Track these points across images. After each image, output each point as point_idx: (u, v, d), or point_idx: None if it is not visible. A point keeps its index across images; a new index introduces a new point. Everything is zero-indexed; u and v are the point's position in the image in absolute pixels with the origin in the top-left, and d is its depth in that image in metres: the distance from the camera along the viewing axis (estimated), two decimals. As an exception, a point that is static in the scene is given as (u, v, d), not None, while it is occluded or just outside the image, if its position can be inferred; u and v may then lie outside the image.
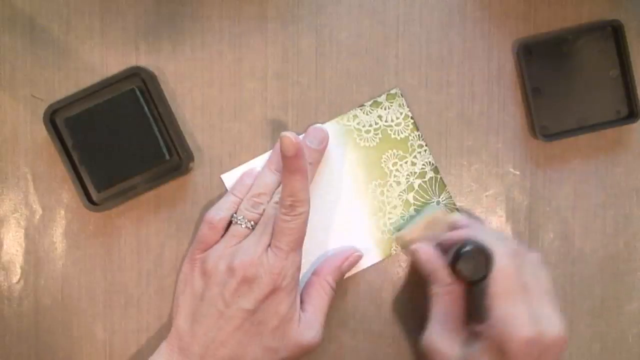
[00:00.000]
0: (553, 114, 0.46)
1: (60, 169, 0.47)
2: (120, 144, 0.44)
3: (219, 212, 0.44)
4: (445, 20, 0.47)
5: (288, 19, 0.47)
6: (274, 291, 0.40)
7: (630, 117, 0.46)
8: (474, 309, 0.40)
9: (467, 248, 0.39)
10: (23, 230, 0.47)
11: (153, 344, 0.47)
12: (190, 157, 0.46)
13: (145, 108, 0.44)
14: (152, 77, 0.45)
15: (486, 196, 0.47)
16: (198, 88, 0.47)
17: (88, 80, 0.47)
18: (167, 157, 0.45)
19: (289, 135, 0.40)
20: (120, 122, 0.44)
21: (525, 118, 0.47)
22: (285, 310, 0.41)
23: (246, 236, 0.43)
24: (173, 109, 0.46)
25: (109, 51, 0.47)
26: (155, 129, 0.44)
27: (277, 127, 0.47)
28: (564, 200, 0.47)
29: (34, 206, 0.47)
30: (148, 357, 0.47)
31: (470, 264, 0.39)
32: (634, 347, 0.48)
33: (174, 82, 0.47)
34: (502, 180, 0.47)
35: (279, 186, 0.44)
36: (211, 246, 0.43)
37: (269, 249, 0.41)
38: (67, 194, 0.47)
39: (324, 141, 0.45)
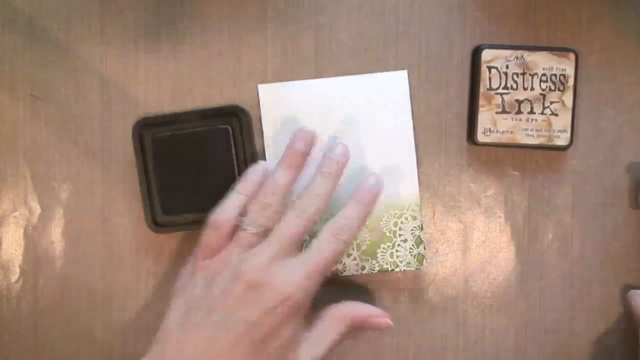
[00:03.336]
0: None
1: (59, 169, 0.47)
2: (199, 176, 0.44)
3: (224, 213, 0.40)
4: (445, 20, 0.47)
5: (288, 19, 0.47)
6: (282, 305, 0.36)
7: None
8: None
9: None
10: (22, 230, 0.47)
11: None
12: None
13: (233, 149, 0.44)
14: (249, 121, 0.45)
15: (485, 196, 0.47)
16: (198, 88, 0.47)
17: (88, 80, 0.47)
18: None
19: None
20: (204, 155, 0.44)
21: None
22: (288, 334, 0.37)
23: (254, 243, 0.39)
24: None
25: (109, 51, 0.47)
26: (236, 172, 0.44)
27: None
28: (563, 201, 0.47)
29: (33, 206, 0.47)
30: (147, 357, 0.47)
31: None
32: (633, 348, 0.48)
33: (173, 82, 0.47)
34: (501, 181, 0.47)
35: (292, 187, 0.41)
36: (216, 252, 0.39)
37: (290, 259, 0.38)
38: (66, 193, 0.47)
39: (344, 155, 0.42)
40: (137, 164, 0.45)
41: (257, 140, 0.46)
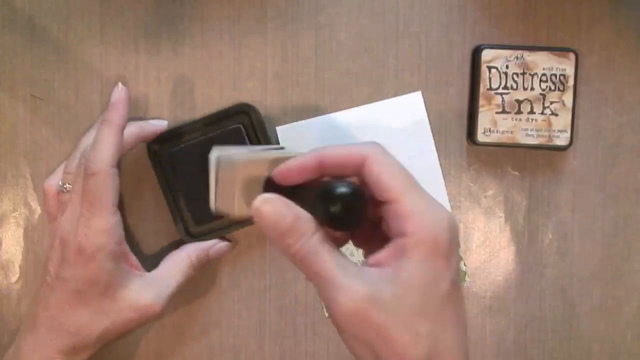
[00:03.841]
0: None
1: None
2: None
3: (49, 180, 0.43)
4: (445, 20, 0.47)
5: (288, 19, 0.47)
6: (79, 256, 0.38)
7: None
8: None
9: (341, 189, 0.29)
10: (22, 230, 0.47)
11: (152, 344, 0.47)
12: None
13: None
14: (258, 116, 0.45)
15: (485, 196, 0.47)
16: (198, 88, 0.47)
17: (88, 80, 0.47)
18: None
19: (121, 84, 0.42)
20: None
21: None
22: (105, 279, 0.39)
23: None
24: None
25: (109, 51, 0.47)
26: None
27: (276, 126, 0.47)
28: (563, 201, 0.47)
29: (33, 206, 0.47)
30: (148, 357, 0.47)
31: (342, 208, 0.29)
32: (633, 348, 0.48)
33: (173, 82, 0.47)
34: (501, 181, 0.47)
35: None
36: (56, 215, 0.42)
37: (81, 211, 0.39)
38: (67, 193, 0.47)
39: (119, 100, 0.41)
40: (159, 181, 0.45)
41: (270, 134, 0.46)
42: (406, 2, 0.47)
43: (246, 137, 0.44)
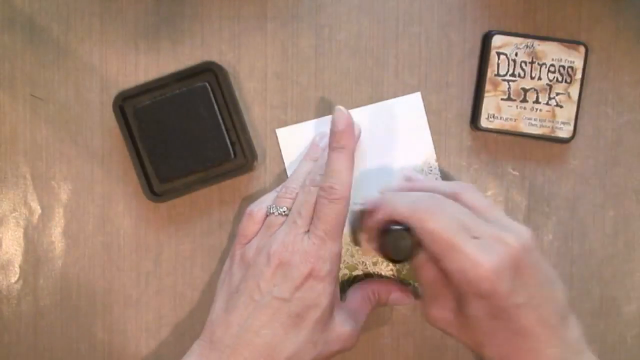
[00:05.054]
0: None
1: (59, 169, 0.47)
2: (187, 138, 0.44)
3: (258, 204, 0.43)
4: (445, 20, 0.47)
5: (288, 19, 0.47)
6: (309, 278, 0.39)
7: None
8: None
9: (393, 228, 0.37)
10: (22, 230, 0.47)
11: (152, 344, 0.47)
12: (254, 156, 0.45)
13: (215, 105, 0.44)
14: (224, 74, 0.45)
15: (485, 197, 0.47)
16: (198, 88, 0.47)
17: (88, 80, 0.47)
18: (233, 156, 0.45)
19: (342, 108, 0.42)
20: (188, 116, 0.44)
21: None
22: (326, 303, 0.39)
23: (281, 224, 0.42)
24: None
25: (109, 51, 0.47)
26: (223, 127, 0.44)
27: (276, 126, 0.47)
28: (563, 201, 0.47)
29: (33, 206, 0.47)
30: (147, 357, 0.47)
31: (392, 244, 0.37)
32: (633, 348, 0.48)
33: (173, 81, 0.47)
34: (501, 181, 0.47)
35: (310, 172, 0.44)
36: (251, 239, 0.42)
37: (306, 234, 0.40)
38: (66, 193, 0.47)
39: (348, 124, 0.42)
40: (124, 138, 0.45)
41: (237, 94, 0.46)
42: (406, 2, 0.47)
43: (212, 96, 0.44)
